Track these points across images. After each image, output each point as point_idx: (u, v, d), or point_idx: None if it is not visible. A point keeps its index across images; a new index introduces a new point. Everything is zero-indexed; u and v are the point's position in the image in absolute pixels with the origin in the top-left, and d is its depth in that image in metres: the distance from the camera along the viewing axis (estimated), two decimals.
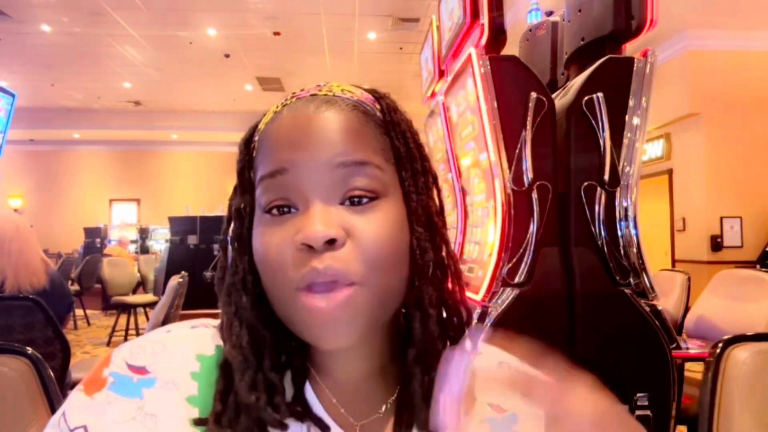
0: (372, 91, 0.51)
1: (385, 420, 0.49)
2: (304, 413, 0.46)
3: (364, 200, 0.44)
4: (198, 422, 0.44)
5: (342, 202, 0.44)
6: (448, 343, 0.49)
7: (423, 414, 0.45)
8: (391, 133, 0.48)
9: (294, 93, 0.49)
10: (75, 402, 0.45)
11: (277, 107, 0.49)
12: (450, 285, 0.50)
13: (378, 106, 0.49)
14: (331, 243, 0.42)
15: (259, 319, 0.47)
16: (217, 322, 0.51)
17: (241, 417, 0.43)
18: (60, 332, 2.18)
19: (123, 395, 0.44)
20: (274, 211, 0.44)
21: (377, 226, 0.43)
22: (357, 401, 0.49)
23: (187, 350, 0.48)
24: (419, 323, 0.47)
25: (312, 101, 0.46)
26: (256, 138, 0.49)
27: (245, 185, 0.48)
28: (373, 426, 0.49)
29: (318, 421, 0.46)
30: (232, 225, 0.49)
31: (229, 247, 0.49)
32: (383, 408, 0.49)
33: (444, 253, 0.50)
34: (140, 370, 0.45)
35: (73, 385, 2.23)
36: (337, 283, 0.42)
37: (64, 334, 2.21)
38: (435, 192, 0.51)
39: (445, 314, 0.49)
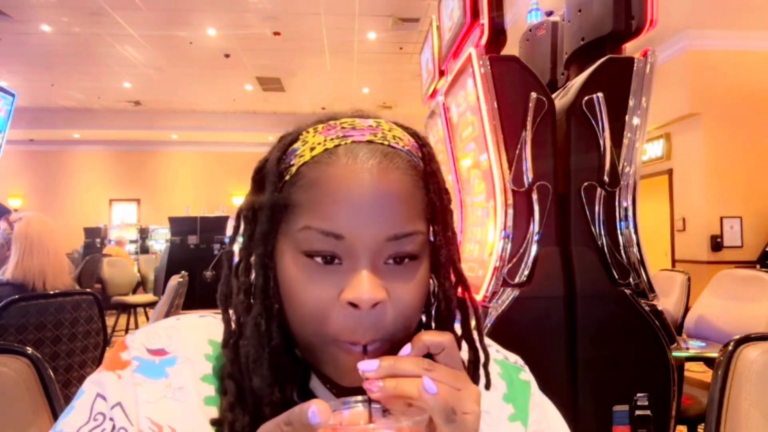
0: (415, 136, 0.52)
1: None
2: None
3: (405, 260, 0.47)
4: (213, 422, 0.46)
5: (386, 261, 0.46)
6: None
7: None
8: (429, 186, 0.50)
9: (343, 127, 0.48)
10: (107, 382, 0.47)
11: (325, 140, 0.47)
12: (469, 325, 0.53)
13: (420, 154, 0.51)
14: (374, 305, 0.45)
15: (279, 343, 0.48)
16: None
17: (252, 425, 0.44)
18: (105, 324, 2.33)
19: (150, 377, 0.47)
20: (318, 259, 0.45)
21: (414, 288, 0.47)
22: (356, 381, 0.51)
23: (199, 335, 0.51)
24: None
25: (371, 153, 0.47)
26: (293, 162, 0.48)
27: (275, 211, 0.47)
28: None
29: None
30: (256, 249, 0.48)
31: (252, 262, 0.48)
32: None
33: (467, 299, 0.53)
34: (159, 352, 0.49)
35: None
36: (374, 340, 0.45)
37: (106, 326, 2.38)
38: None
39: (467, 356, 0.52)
